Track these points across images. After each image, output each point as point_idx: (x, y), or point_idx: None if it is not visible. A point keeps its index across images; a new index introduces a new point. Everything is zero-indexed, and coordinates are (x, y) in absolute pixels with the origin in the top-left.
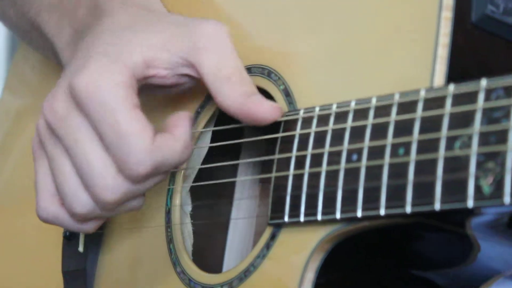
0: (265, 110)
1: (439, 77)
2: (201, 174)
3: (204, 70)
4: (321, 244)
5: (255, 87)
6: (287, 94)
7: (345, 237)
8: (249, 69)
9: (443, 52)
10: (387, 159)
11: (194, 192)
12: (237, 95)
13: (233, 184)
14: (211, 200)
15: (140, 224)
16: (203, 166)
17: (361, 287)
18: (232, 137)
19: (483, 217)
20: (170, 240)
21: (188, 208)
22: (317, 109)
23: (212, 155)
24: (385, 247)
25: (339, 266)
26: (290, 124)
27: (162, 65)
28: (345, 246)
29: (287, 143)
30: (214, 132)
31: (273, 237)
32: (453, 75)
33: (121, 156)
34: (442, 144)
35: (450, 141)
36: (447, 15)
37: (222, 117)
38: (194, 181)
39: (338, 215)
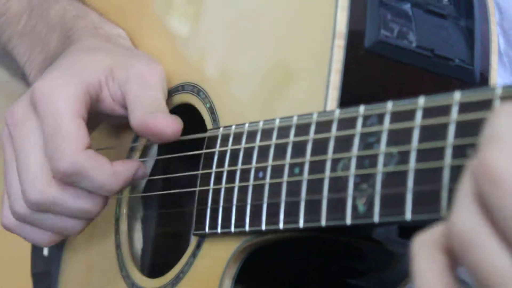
0: (163, 124)
1: (332, 102)
2: (165, 183)
3: (128, 99)
4: (235, 254)
5: (165, 111)
6: (212, 111)
7: (257, 248)
8: (183, 86)
9: (335, 78)
10: (285, 178)
11: (155, 200)
12: (141, 114)
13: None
14: (174, 208)
15: (94, 231)
16: (150, 178)
17: None
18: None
19: (376, 230)
20: (117, 246)
21: (140, 214)
22: (233, 127)
23: (172, 163)
24: (300, 257)
25: (256, 274)
26: (211, 141)
27: (110, 90)
28: (261, 256)
29: (208, 159)
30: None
31: (198, 246)
32: (347, 100)
33: (51, 150)
34: (328, 166)
35: (335, 163)
36: (340, 43)
37: None
38: (147, 190)
39: (247, 228)
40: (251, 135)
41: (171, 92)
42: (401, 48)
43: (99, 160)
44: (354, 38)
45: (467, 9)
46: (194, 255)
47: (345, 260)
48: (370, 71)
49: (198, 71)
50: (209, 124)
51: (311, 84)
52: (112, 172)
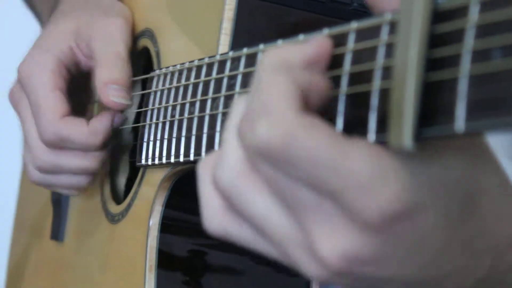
0: (108, 100)
1: (223, 47)
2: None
3: (93, 55)
4: (163, 182)
5: (124, 74)
6: (158, 55)
7: (179, 177)
8: (144, 32)
9: (227, 25)
10: (207, 111)
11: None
12: (99, 80)
13: None
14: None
15: None
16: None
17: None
18: None
19: None
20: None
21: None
22: (163, 70)
23: None
24: None
25: (181, 201)
26: (150, 82)
27: (82, 51)
28: (186, 184)
29: (147, 98)
30: None
31: (142, 176)
32: (238, 45)
33: (37, 124)
34: (208, 104)
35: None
36: None
37: None
38: None
39: (164, 160)
40: (171, 77)
41: (138, 36)
42: None
43: (76, 124)
44: None
45: None
46: (139, 184)
47: None
48: (265, 19)
49: (154, 17)
50: (155, 66)
51: (210, 32)
52: (89, 130)
